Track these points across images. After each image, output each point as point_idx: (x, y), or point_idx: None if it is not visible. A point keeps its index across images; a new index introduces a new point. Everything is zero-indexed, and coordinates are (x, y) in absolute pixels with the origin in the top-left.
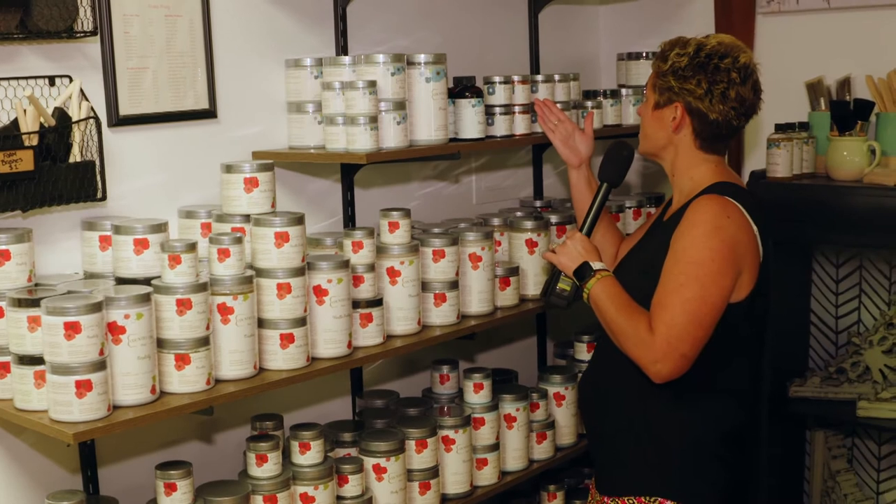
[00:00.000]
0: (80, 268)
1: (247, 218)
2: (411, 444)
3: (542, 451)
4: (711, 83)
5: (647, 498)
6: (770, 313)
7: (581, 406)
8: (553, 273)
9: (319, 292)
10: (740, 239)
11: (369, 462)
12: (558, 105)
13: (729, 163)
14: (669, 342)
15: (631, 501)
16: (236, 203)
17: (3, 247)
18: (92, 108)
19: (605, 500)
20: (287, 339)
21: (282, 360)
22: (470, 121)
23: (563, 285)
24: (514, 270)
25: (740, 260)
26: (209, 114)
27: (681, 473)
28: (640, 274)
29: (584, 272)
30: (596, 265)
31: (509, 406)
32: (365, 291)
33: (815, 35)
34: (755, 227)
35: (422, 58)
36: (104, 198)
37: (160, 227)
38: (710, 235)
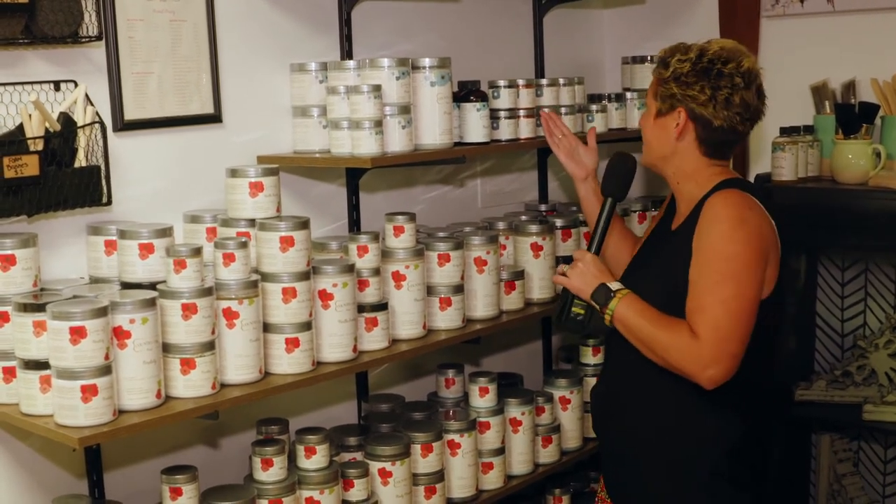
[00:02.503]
0: (85, 272)
1: (252, 222)
2: (417, 448)
3: (547, 454)
4: (714, 89)
5: None
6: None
7: (594, 419)
8: (566, 297)
9: (325, 296)
10: (764, 230)
11: (375, 466)
12: (563, 110)
13: (734, 166)
14: (718, 345)
15: None
16: (241, 207)
17: (9, 252)
18: (97, 113)
19: None
20: (292, 344)
21: (287, 364)
22: (475, 125)
23: (578, 309)
24: (520, 274)
25: (767, 251)
26: (214, 118)
27: (694, 486)
28: (656, 283)
29: (602, 295)
30: (613, 285)
31: (515, 410)
32: (370, 295)
33: (820, 38)
34: (773, 221)
35: (426, 62)
36: (109, 202)
37: (165, 232)
38: (737, 228)
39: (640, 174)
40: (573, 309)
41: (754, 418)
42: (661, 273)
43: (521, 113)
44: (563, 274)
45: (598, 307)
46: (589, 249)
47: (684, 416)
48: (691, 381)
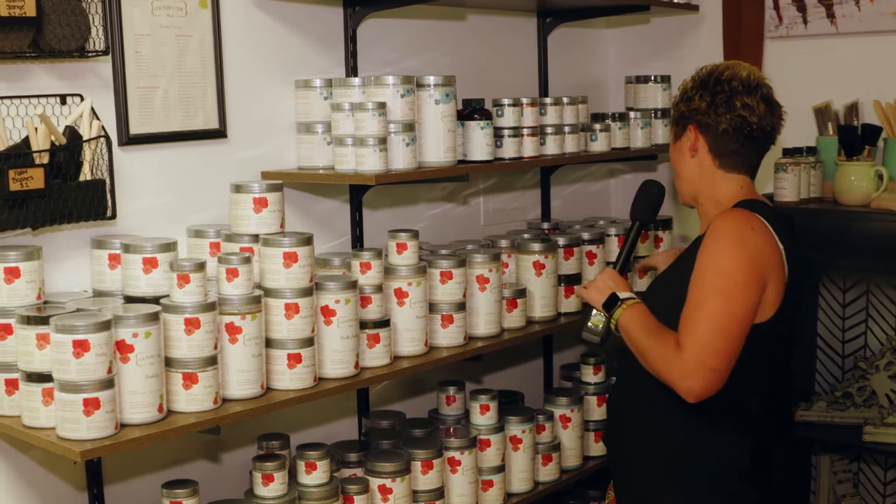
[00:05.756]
0: (89, 286)
1: (255, 238)
2: (417, 465)
3: (547, 472)
4: (713, 94)
5: None
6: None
7: (605, 432)
8: (587, 310)
9: (327, 313)
10: (765, 252)
11: (375, 482)
12: (566, 129)
13: None
14: (697, 357)
15: None
16: (245, 223)
17: (13, 264)
18: (102, 127)
19: None
20: (294, 360)
21: (289, 380)
22: (478, 143)
23: (595, 321)
24: (522, 292)
25: (766, 273)
26: (219, 133)
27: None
28: (663, 296)
29: (611, 303)
30: (623, 295)
31: (515, 428)
32: (372, 312)
33: (824, 60)
34: (781, 245)
35: (431, 80)
36: (114, 216)
37: (169, 246)
38: (734, 246)
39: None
40: (591, 321)
41: (762, 442)
42: (670, 286)
43: (525, 131)
44: (585, 286)
45: (607, 315)
46: (613, 268)
47: (688, 436)
48: (697, 402)
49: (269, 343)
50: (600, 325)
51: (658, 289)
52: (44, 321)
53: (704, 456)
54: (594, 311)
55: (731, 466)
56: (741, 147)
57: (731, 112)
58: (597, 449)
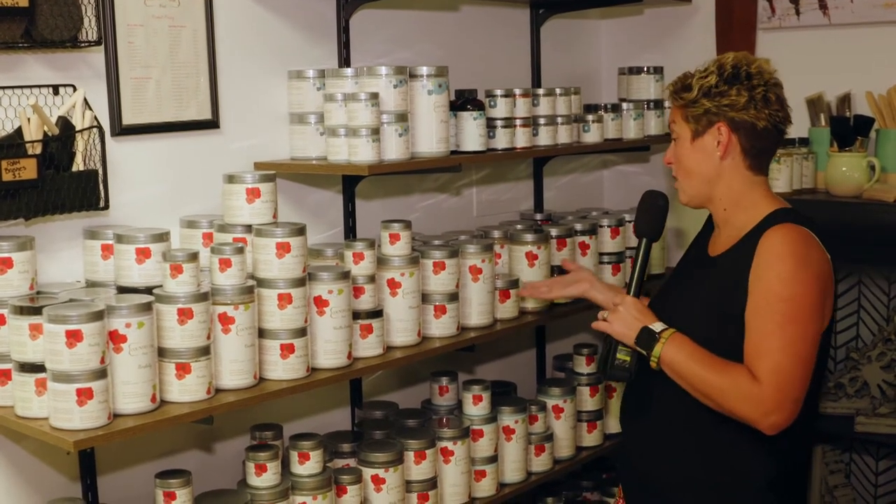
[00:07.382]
0: (81, 276)
1: (248, 228)
2: (410, 456)
3: (540, 463)
4: (750, 89)
5: None
6: None
7: (626, 442)
8: (609, 344)
9: (320, 303)
10: (824, 268)
11: (368, 473)
12: (559, 119)
13: None
14: (781, 390)
15: None
16: (238, 213)
17: (6, 255)
18: (95, 118)
19: None
20: (287, 350)
21: (282, 370)
22: (471, 133)
23: (623, 356)
24: (514, 283)
25: (827, 289)
26: (212, 124)
27: None
28: (698, 314)
29: (646, 338)
30: (656, 327)
31: (508, 418)
32: (365, 302)
33: (816, 51)
34: (828, 255)
35: (424, 70)
36: (106, 207)
37: (162, 237)
38: (800, 269)
39: (626, 187)
40: (618, 356)
41: (804, 452)
42: (705, 303)
43: (518, 122)
44: (605, 320)
45: (643, 352)
46: (628, 293)
47: (737, 455)
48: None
49: (261, 333)
50: (629, 360)
51: (682, 304)
52: (37, 311)
53: (750, 474)
54: (619, 346)
55: (775, 481)
56: (773, 145)
57: (768, 107)
58: (590, 439)
